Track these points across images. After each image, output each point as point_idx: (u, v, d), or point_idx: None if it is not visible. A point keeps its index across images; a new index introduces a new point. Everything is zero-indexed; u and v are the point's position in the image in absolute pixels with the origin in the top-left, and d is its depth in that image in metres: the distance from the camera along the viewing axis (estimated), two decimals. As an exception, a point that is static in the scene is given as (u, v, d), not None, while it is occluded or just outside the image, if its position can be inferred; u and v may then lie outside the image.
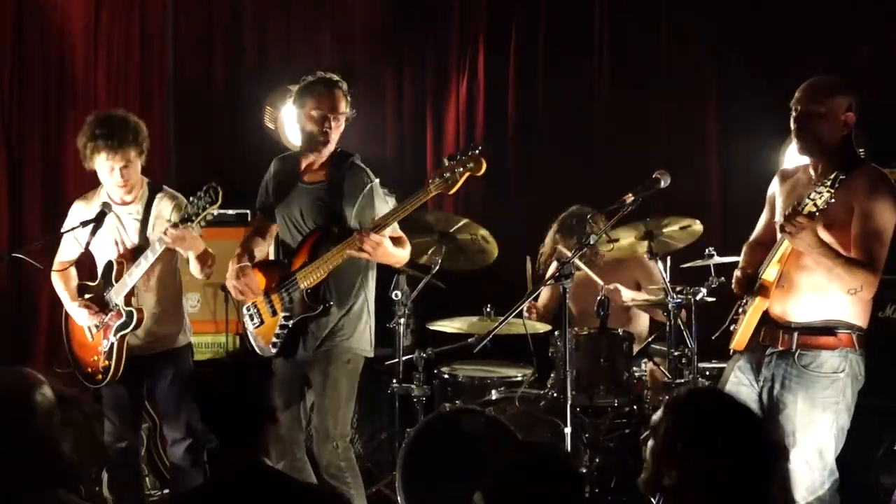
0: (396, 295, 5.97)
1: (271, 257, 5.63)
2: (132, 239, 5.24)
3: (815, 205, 3.99)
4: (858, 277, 4.12)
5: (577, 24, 7.33)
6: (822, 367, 4.23)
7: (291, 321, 4.86)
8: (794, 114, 4.33)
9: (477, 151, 4.44)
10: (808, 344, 4.25)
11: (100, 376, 5.26)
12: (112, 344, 5.19)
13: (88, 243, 5.20)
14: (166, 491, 6.30)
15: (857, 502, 5.20)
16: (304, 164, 4.96)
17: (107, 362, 5.21)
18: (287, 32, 7.85)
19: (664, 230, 5.63)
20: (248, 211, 5.60)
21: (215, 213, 4.99)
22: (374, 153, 6.77)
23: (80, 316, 5.30)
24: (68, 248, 5.41)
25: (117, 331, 5.19)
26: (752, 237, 4.68)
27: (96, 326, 5.25)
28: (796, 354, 4.26)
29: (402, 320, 5.97)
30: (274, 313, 4.92)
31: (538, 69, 7.45)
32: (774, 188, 4.56)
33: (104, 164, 5.14)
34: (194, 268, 5.24)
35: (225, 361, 3.55)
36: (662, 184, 4.96)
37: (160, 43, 7.67)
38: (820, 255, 4.11)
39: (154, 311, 5.28)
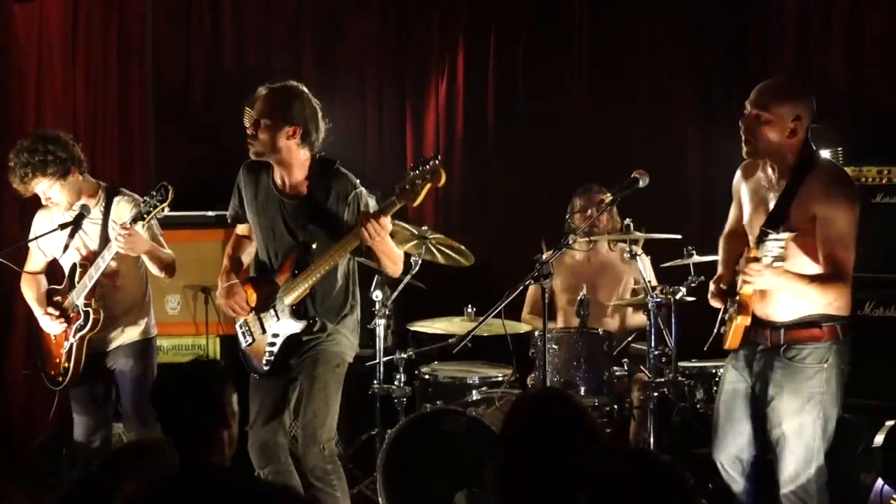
0: (377, 296, 5.96)
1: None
2: (94, 241, 5.30)
3: (773, 258, 4.10)
4: (831, 292, 4.22)
5: (556, 25, 7.33)
6: (807, 359, 4.30)
7: (280, 338, 4.85)
8: (742, 118, 4.39)
9: (437, 162, 4.44)
10: (795, 338, 4.32)
11: (60, 378, 5.34)
12: (72, 345, 5.27)
13: (67, 246, 5.26)
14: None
15: (837, 500, 5.22)
16: (278, 175, 4.88)
17: (66, 364, 5.29)
18: (266, 34, 7.84)
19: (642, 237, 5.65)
20: (227, 213, 5.54)
21: (166, 210, 5.03)
22: (354, 155, 6.78)
23: (45, 323, 5.38)
24: (35, 258, 5.51)
25: (76, 332, 5.26)
26: (725, 230, 4.76)
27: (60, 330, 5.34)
28: (783, 348, 4.34)
29: (382, 321, 5.97)
30: (263, 331, 4.90)
31: (517, 70, 7.45)
32: (738, 182, 4.63)
33: None
34: (151, 268, 5.34)
35: (183, 365, 3.64)
36: (641, 183, 4.97)
37: (139, 46, 7.67)
38: (789, 288, 4.23)
39: (123, 309, 5.38)
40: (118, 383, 5.39)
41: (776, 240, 4.07)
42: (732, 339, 4.43)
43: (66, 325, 5.29)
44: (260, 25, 7.86)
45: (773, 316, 4.37)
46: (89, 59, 7.42)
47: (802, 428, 4.29)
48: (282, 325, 4.84)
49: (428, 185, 4.46)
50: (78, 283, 5.26)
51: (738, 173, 4.64)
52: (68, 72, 7.34)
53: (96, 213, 5.30)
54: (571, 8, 7.26)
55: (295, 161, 4.81)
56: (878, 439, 4.70)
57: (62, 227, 5.22)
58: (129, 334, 5.40)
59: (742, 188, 4.59)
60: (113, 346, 5.38)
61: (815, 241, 4.23)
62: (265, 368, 4.89)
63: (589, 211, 6.16)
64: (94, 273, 5.18)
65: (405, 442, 5.33)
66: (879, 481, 4.68)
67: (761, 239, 4.19)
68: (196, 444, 3.31)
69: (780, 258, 4.08)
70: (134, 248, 5.10)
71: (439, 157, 4.48)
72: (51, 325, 5.33)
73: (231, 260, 5.08)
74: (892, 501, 4.60)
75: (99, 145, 7.46)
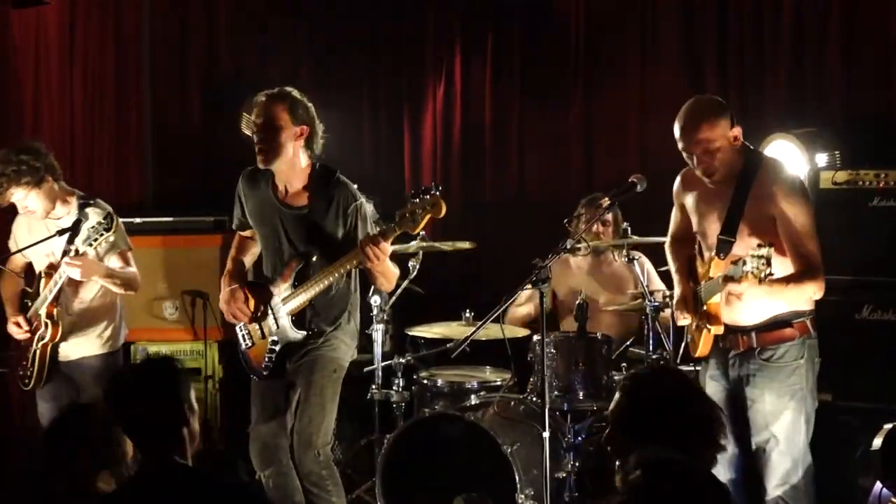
0: (375, 300, 5.96)
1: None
2: (60, 251, 5.33)
3: (754, 276, 4.02)
4: (810, 288, 4.32)
5: (552, 30, 7.33)
6: (783, 358, 4.40)
7: (279, 346, 4.87)
8: (692, 158, 4.43)
9: (437, 193, 4.48)
10: (767, 340, 4.42)
11: (27, 381, 5.46)
12: (35, 352, 5.38)
13: (66, 252, 5.26)
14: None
15: (835, 503, 5.23)
16: (279, 184, 4.89)
17: (31, 368, 5.41)
18: (263, 39, 7.84)
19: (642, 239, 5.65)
20: (225, 218, 5.57)
21: (110, 239, 5.15)
22: (351, 163, 6.79)
23: (10, 329, 5.50)
24: (15, 258, 5.62)
25: (38, 340, 5.37)
26: (669, 235, 4.87)
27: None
28: (757, 351, 4.43)
29: (380, 326, 5.96)
30: (263, 336, 4.93)
31: (514, 76, 7.46)
32: (679, 189, 4.73)
33: None
34: (112, 288, 5.43)
35: (137, 364, 3.67)
36: (639, 188, 4.96)
37: (136, 52, 7.67)
38: (771, 296, 4.29)
39: (84, 318, 5.49)
40: (80, 393, 5.46)
41: (757, 256, 4.03)
42: (703, 347, 4.53)
43: (28, 333, 5.39)
44: (256, 32, 7.87)
45: (741, 321, 4.45)
46: (86, 65, 7.41)
47: (789, 427, 4.38)
48: (281, 333, 4.86)
49: (428, 216, 4.51)
50: (42, 291, 5.36)
51: (678, 180, 4.73)
52: (65, 78, 7.33)
53: (67, 221, 5.37)
54: (567, 13, 7.26)
55: (298, 166, 4.84)
56: (877, 442, 4.68)
57: (60, 232, 5.25)
58: (90, 345, 5.50)
59: (686, 196, 4.67)
60: (75, 356, 5.48)
61: (774, 234, 4.29)
62: (264, 372, 4.92)
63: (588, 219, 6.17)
64: (53, 287, 5.28)
65: (404, 447, 5.33)
66: (878, 484, 4.67)
67: (721, 248, 4.34)
68: (156, 442, 3.33)
69: (762, 270, 4.02)
70: (86, 273, 5.21)
71: (440, 188, 4.51)
72: (15, 332, 5.46)
73: (234, 262, 5.13)
74: (890, 504, 4.59)
75: (97, 150, 7.46)
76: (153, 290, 6.77)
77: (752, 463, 4.56)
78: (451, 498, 5.09)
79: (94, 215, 5.28)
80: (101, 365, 5.47)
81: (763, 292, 4.21)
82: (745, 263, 4.04)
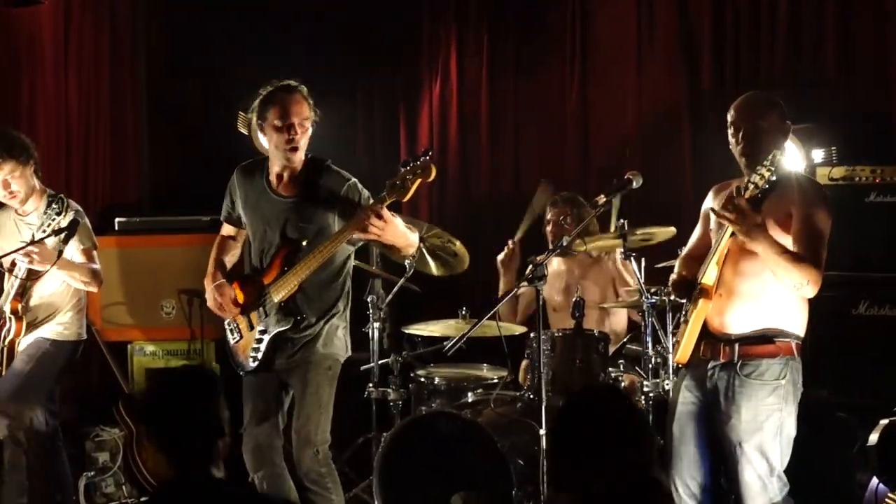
0: (371, 299, 5.96)
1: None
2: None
3: (756, 186, 4.04)
4: (804, 272, 4.13)
5: (548, 24, 7.34)
6: (764, 375, 4.28)
7: (267, 335, 4.84)
8: (737, 133, 4.38)
9: (427, 158, 4.44)
10: (750, 353, 4.30)
11: None
12: (3, 350, 5.41)
13: (61, 252, 5.26)
14: (143, 499, 6.31)
15: (834, 499, 5.23)
16: (274, 175, 4.89)
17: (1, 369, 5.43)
18: (259, 37, 7.83)
19: (638, 231, 5.64)
20: (220, 216, 5.55)
21: (62, 223, 5.19)
22: (346, 159, 6.80)
23: None
24: None
25: (3, 338, 5.39)
26: (685, 251, 4.75)
27: None
28: (738, 364, 4.31)
29: (377, 324, 5.96)
30: (251, 328, 4.91)
31: (510, 70, 7.46)
32: (709, 203, 4.61)
33: None
34: (70, 281, 5.46)
35: (176, 376, 3.55)
36: (634, 184, 4.96)
37: (131, 51, 7.66)
38: (766, 244, 4.12)
39: (43, 310, 5.51)
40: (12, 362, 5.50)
41: (761, 167, 4.03)
42: (684, 350, 4.42)
43: None
44: (251, 30, 7.86)
45: (727, 327, 4.34)
46: (81, 65, 7.40)
47: (763, 445, 4.28)
48: (270, 322, 4.83)
49: (418, 181, 4.47)
50: (5, 287, 5.40)
51: (710, 195, 4.63)
52: (60, 77, 7.32)
53: (34, 218, 5.41)
54: (563, 5, 7.25)
55: (301, 160, 4.86)
56: (873, 438, 4.69)
57: (56, 232, 5.25)
58: (41, 333, 5.51)
59: (713, 205, 4.53)
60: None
61: (786, 239, 4.21)
62: (251, 365, 4.89)
63: (551, 224, 6.19)
64: (14, 281, 5.31)
65: (401, 445, 5.33)
66: (874, 480, 4.69)
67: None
68: (194, 455, 3.20)
69: (769, 180, 4.03)
70: (42, 261, 5.21)
71: (430, 153, 4.49)
72: None
73: (216, 262, 5.11)
74: (887, 500, 4.60)
75: (92, 150, 7.46)
76: (150, 290, 6.77)
77: (724, 476, 4.51)
78: (448, 496, 5.09)
79: (54, 206, 5.32)
80: (47, 346, 5.49)
81: (759, 228, 4.08)
82: (751, 176, 4.06)
